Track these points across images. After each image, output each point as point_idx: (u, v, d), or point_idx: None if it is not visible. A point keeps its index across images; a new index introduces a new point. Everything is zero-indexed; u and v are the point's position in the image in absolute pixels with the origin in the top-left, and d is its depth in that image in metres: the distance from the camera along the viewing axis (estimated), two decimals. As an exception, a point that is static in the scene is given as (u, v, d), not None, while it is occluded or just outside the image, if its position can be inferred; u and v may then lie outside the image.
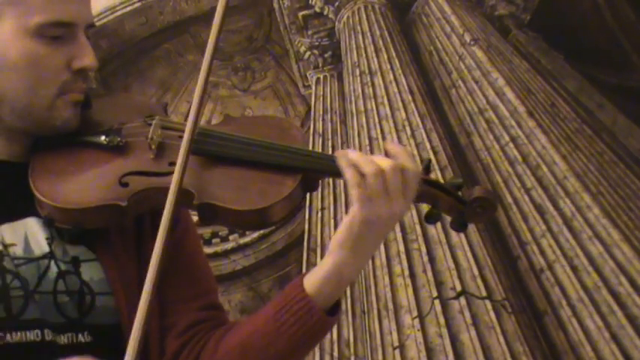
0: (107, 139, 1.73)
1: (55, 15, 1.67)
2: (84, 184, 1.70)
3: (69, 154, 1.73)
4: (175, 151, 1.67)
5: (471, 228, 4.35)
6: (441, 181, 1.75)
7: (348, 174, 1.64)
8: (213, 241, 5.36)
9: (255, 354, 1.70)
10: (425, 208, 1.77)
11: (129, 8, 5.77)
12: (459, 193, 1.74)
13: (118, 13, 5.76)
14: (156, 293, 1.55)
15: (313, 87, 5.65)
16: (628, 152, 4.33)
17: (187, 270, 1.81)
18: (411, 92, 5.08)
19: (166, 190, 1.62)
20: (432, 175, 1.76)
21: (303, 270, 4.61)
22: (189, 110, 1.69)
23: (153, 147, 1.71)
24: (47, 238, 1.68)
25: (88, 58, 1.71)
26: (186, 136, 1.64)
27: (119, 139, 1.73)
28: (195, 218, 1.81)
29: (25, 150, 1.74)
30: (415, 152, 4.75)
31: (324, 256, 1.68)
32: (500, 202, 4.50)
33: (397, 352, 4.16)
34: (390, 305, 4.27)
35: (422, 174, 1.72)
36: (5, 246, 1.66)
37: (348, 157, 1.66)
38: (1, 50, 1.67)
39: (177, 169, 1.61)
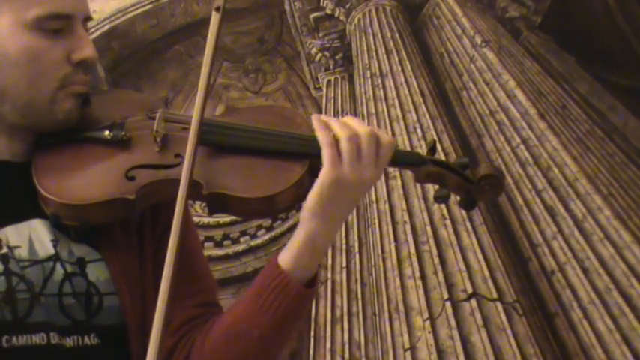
0: (111, 134, 1.71)
1: (52, 8, 1.66)
2: (90, 180, 1.69)
3: (72, 150, 1.72)
4: (180, 143, 1.67)
5: (482, 230, 4.35)
6: (447, 160, 1.77)
7: (321, 134, 1.64)
8: (224, 242, 5.36)
9: (239, 339, 1.69)
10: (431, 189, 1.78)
11: (140, 10, 5.78)
12: (466, 172, 1.76)
13: (130, 14, 5.77)
14: (173, 291, 1.53)
15: (324, 89, 5.64)
16: (639, 154, 4.33)
17: (186, 267, 1.78)
18: (422, 94, 5.08)
19: (174, 182, 1.61)
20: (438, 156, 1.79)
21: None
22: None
23: (158, 140, 1.70)
24: (52, 240, 1.67)
25: (87, 50, 1.69)
26: (193, 126, 1.63)
27: (123, 133, 1.71)
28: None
29: (27, 148, 1.72)
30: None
31: (296, 229, 1.67)
32: (511, 204, 4.50)
33: (408, 353, 4.15)
34: (401, 307, 4.26)
35: (428, 154, 1.77)
36: (10, 248, 1.64)
37: (322, 119, 1.67)
38: (0, 46, 1.67)
39: (187, 160, 1.60)
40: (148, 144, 1.71)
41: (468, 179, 1.75)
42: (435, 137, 4.84)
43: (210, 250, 5.24)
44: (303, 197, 1.66)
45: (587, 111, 4.56)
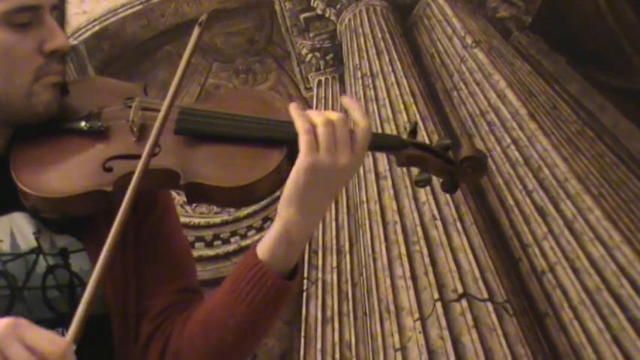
0: (87, 125, 1.71)
1: (19, 0, 1.65)
2: (67, 172, 1.69)
3: (50, 142, 1.71)
4: None
5: (473, 230, 4.35)
6: (429, 142, 1.76)
7: (299, 121, 1.64)
8: (215, 243, 5.35)
9: (216, 329, 1.68)
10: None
11: (130, 10, 5.78)
12: (448, 154, 1.74)
13: (120, 15, 5.76)
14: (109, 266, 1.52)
15: (315, 89, 5.64)
16: (629, 154, 4.33)
17: (164, 253, 1.80)
18: (413, 95, 5.08)
19: (152, 172, 1.61)
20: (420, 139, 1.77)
21: (305, 273, 4.61)
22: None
23: (134, 129, 1.69)
24: (34, 233, 1.67)
25: (59, 39, 1.69)
26: (161, 114, 1.63)
27: (99, 123, 1.71)
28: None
29: (5, 142, 1.72)
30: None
31: (274, 220, 1.67)
32: (501, 205, 4.50)
33: (399, 354, 4.15)
34: (392, 307, 4.26)
35: (409, 137, 1.75)
36: None
37: (300, 109, 1.67)
38: None
39: (148, 144, 1.60)
40: (125, 134, 1.71)
41: (450, 161, 1.73)
42: (426, 138, 4.84)
43: (200, 251, 5.23)
44: (283, 183, 1.65)
45: (578, 111, 4.56)
